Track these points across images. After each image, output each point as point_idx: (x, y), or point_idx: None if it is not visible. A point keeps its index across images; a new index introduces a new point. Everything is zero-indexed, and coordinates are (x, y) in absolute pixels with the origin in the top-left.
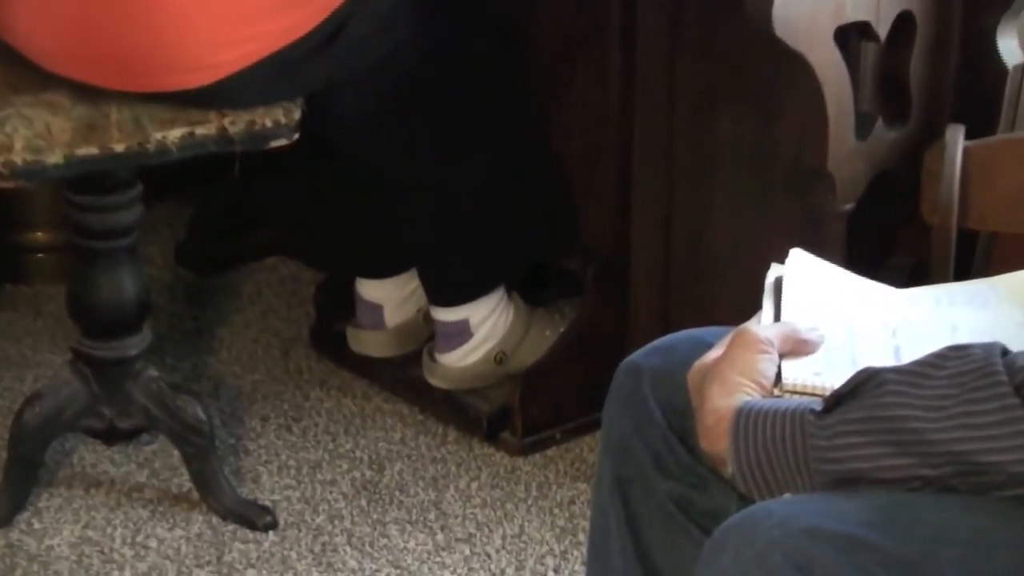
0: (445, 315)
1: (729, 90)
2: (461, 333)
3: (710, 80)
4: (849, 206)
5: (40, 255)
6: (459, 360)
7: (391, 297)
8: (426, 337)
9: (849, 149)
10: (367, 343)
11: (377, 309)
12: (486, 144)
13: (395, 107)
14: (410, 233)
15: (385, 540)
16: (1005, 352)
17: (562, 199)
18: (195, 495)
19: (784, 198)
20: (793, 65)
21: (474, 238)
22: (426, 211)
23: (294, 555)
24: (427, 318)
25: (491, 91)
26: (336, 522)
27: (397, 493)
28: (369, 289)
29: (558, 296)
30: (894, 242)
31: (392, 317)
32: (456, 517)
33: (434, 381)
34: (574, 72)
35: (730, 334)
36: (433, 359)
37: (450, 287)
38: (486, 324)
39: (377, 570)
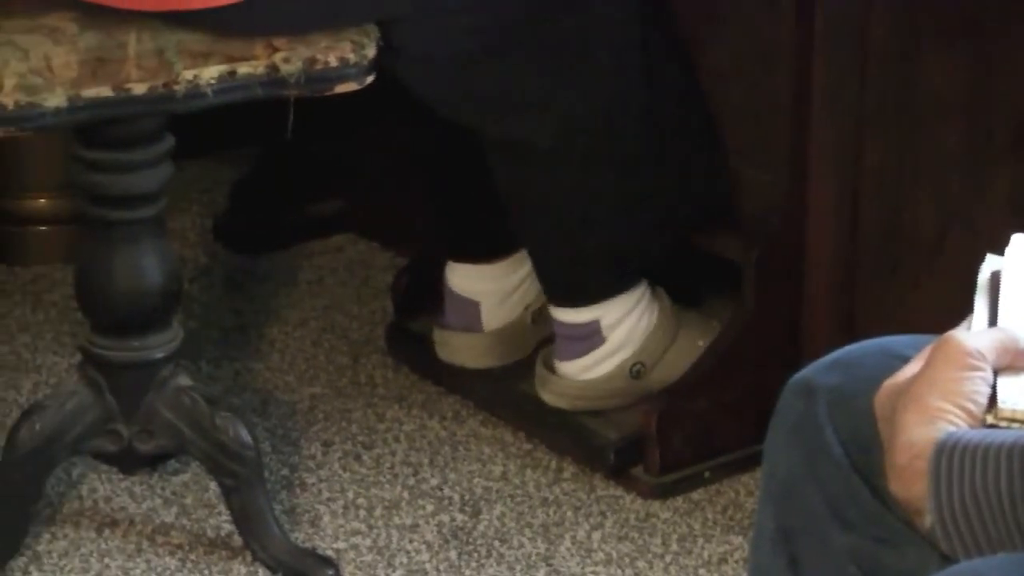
0: (569, 316)
1: (940, 23)
2: (590, 337)
3: (915, 9)
4: None
5: (40, 228)
6: (585, 371)
7: (491, 290)
8: (534, 344)
9: None
10: (459, 350)
11: (472, 306)
12: (614, 92)
13: (495, 45)
14: (517, 211)
15: None
16: None
17: (714, 162)
18: (236, 540)
19: (1009, 166)
20: None
21: (604, 217)
22: (538, 180)
23: None
24: (536, 319)
25: (620, 20)
26: None
27: (496, 544)
28: (462, 280)
29: (714, 296)
30: None
31: (492, 317)
32: None
33: (549, 397)
34: None
35: (931, 344)
36: (551, 368)
37: (575, 282)
38: (622, 326)
39: None
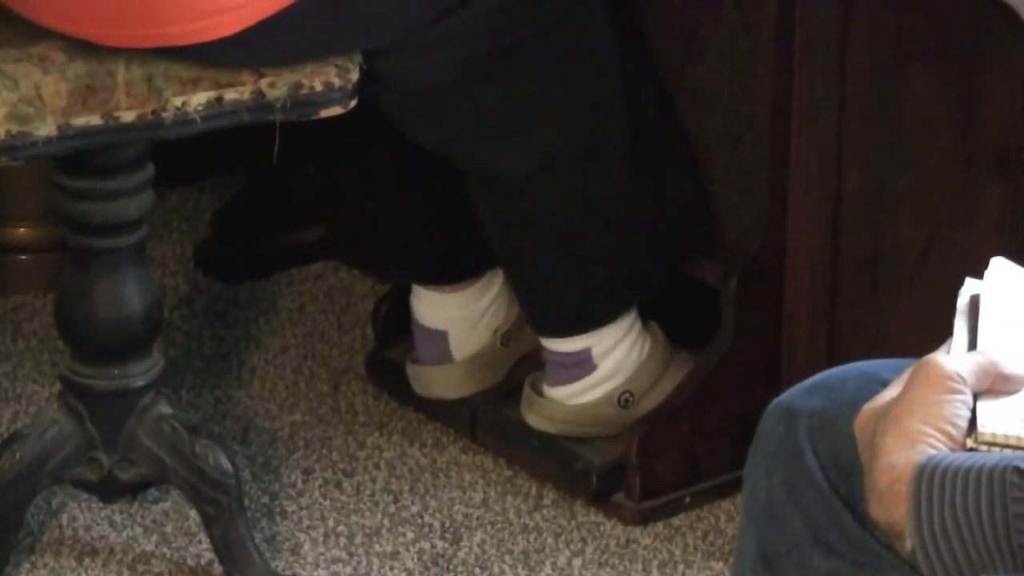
0: (560, 345)
1: (923, 45)
2: (581, 364)
3: (898, 31)
4: None
5: (21, 257)
6: (574, 396)
7: (458, 318)
8: (509, 366)
9: None
10: (432, 382)
11: (441, 336)
12: (594, 119)
13: (475, 75)
14: (501, 243)
15: None
16: None
17: (694, 187)
18: (217, 569)
19: (990, 189)
20: (1006, 18)
21: (587, 244)
22: (520, 209)
23: None
24: (506, 342)
25: (599, 48)
26: None
27: (477, 571)
28: (429, 309)
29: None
30: None
31: (461, 345)
32: None
33: (534, 420)
34: (715, 19)
35: (910, 368)
36: (539, 392)
37: (563, 314)
38: (613, 355)
39: None
